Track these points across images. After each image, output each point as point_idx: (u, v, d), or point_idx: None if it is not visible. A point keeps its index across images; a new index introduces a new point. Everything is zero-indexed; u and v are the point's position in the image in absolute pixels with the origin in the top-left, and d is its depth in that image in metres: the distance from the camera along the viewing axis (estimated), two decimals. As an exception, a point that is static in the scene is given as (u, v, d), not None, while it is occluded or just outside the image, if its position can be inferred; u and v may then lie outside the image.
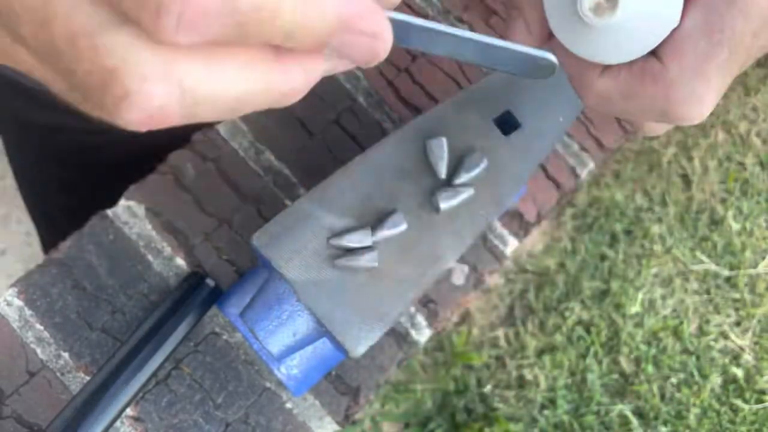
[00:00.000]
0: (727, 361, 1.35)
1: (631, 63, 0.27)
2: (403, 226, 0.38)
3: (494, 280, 1.33)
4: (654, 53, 0.27)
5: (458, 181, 0.39)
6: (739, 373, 1.33)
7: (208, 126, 0.51)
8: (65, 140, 0.62)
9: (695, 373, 1.32)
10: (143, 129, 0.17)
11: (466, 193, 0.39)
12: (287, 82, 0.18)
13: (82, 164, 0.61)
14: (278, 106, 0.19)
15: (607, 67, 0.28)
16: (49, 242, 0.77)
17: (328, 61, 0.19)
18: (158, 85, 0.16)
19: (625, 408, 1.28)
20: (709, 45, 0.25)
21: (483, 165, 0.40)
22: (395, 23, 0.19)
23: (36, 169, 0.69)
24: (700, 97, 0.26)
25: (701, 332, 1.36)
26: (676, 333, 1.35)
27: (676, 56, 0.26)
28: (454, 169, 0.40)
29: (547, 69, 0.23)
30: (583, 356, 1.30)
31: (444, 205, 0.39)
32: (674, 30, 0.26)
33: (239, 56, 0.17)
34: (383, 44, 0.18)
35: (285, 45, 0.17)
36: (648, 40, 0.26)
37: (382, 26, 0.18)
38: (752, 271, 1.42)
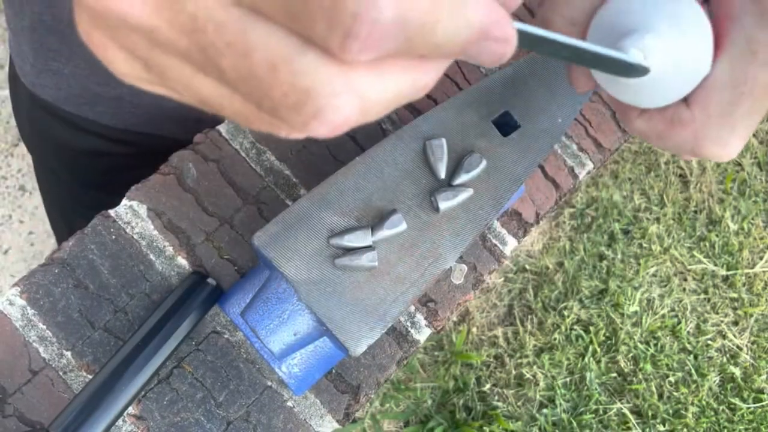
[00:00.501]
0: (724, 360, 1.35)
1: (664, 108, 0.30)
2: (403, 226, 0.38)
3: (493, 279, 1.34)
4: (685, 100, 0.29)
5: (457, 181, 0.40)
6: (736, 372, 1.34)
7: (210, 127, 0.51)
8: (99, 163, 0.63)
9: (693, 372, 1.33)
10: (327, 137, 0.20)
11: (466, 194, 0.39)
12: (426, 80, 0.21)
13: (113, 185, 0.62)
14: (416, 99, 0.21)
15: (644, 110, 0.31)
16: None
17: (453, 57, 0.21)
18: (344, 99, 0.18)
19: (623, 407, 1.28)
20: (734, 95, 0.28)
21: (482, 166, 0.40)
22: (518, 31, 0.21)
23: (66, 189, 0.70)
24: (726, 142, 0.29)
25: (699, 331, 1.37)
26: (674, 332, 1.36)
27: (704, 105, 0.29)
28: (454, 169, 0.40)
29: (641, 71, 0.26)
30: (582, 355, 1.31)
31: (443, 206, 0.39)
32: (704, 79, 0.28)
33: (399, 64, 0.19)
34: (511, 48, 0.20)
35: (431, 55, 0.19)
36: (679, 89, 0.28)
37: (511, 32, 0.20)
38: (750, 270, 1.43)
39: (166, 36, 0.18)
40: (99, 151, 0.62)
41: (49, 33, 0.53)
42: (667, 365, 1.32)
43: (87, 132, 0.60)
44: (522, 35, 0.21)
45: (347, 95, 0.18)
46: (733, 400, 1.32)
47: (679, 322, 1.36)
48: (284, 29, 0.17)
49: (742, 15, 0.28)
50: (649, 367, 1.31)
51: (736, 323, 1.39)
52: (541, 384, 1.27)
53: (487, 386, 1.25)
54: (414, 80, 0.20)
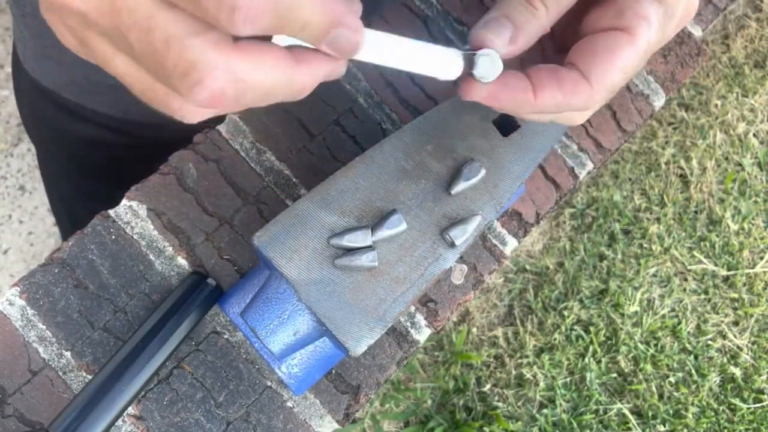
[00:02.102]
0: (725, 360, 1.35)
1: None
2: (403, 226, 0.38)
3: (493, 279, 1.34)
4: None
5: (455, 190, 0.40)
6: (737, 372, 1.34)
7: (210, 127, 0.51)
8: (100, 153, 0.64)
9: (693, 372, 1.33)
10: (207, 111, 0.25)
11: (475, 222, 0.39)
12: (302, 82, 0.25)
13: (115, 176, 0.62)
14: (291, 100, 0.26)
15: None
16: None
17: (326, 65, 0.26)
18: (221, 72, 0.23)
19: (623, 407, 1.28)
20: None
21: (481, 175, 0.40)
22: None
23: (68, 180, 0.71)
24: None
25: (699, 332, 1.37)
26: (675, 332, 1.36)
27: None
28: (453, 175, 0.40)
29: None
30: (582, 355, 1.31)
31: (458, 241, 0.39)
32: None
33: (272, 57, 0.24)
34: (360, 37, 0.25)
35: (300, 36, 0.24)
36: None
37: (359, 23, 0.25)
38: (750, 270, 1.42)
39: (94, 18, 0.23)
40: (98, 141, 0.62)
41: None
42: (667, 365, 1.32)
43: (86, 121, 0.60)
44: (369, 40, 0.27)
45: (224, 72, 0.23)
46: (733, 401, 1.32)
47: (680, 323, 1.36)
48: (186, 14, 0.22)
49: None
50: (649, 368, 1.31)
51: (736, 323, 1.39)
52: (541, 384, 1.27)
53: (487, 386, 1.25)
54: (290, 78, 0.25)
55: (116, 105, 0.58)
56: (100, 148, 0.63)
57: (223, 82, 0.23)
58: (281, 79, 0.24)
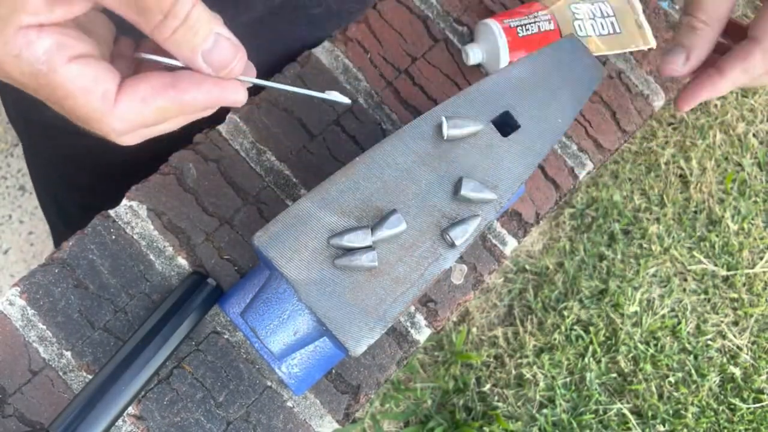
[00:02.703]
0: (724, 360, 1.35)
1: None
2: (403, 226, 0.38)
3: (493, 279, 1.34)
4: None
5: (456, 190, 0.40)
6: (736, 372, 1.34)
7: (210, 127, 0.51)
8: (83, 143, 0.63)
9: (693, 372, 1.33)
10: (131, 137, 0.32)
11: (475, 222, 0.39)
12: (200, 116, 0.33)
13: (98, 166, 0.62)
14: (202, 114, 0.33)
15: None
16: (62, 240, 0.78)
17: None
18: (128, 140, 0.33)
19: (623, 407, 1.28)
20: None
21: (481, 175, 0.40)
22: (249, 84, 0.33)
23: (53, 170, 0.71)
24: None
25: (699, 332, 1.37)
26: (674, 332, 1.36)
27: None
28: (454, 174, 0.40)
29: (346, 103, 0.37)
30: (582, 355, 1.31)
31: (459, 242, 0.39)
32: None
33: (172, 120, 0.32)
34: (241, 102, 0.32)
35: (169, 46, 0.29)
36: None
37: (236, 95, 0.32)
38: (750, 271, 1.43)
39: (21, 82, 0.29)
40: (81, 130, 0.62)
41: None
42: (667, 365, 1.32)
43: None
44: (253, 85, 0.33)
45: (130, 138, 0.32)
46: (733, 401, 1.32)
47: (679, 323, 1.36)
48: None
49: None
50: (649, 368, 1.31)
51: (736, 323, 1.39)
52: (541, 384, 1.27)
53: (487, 386, 1.25)
54: (189, 118, 0.33)
55: None
56: (83, 138, 0.63)
57: (120, 127, 0.30)
58: (171, 108, 0.30)
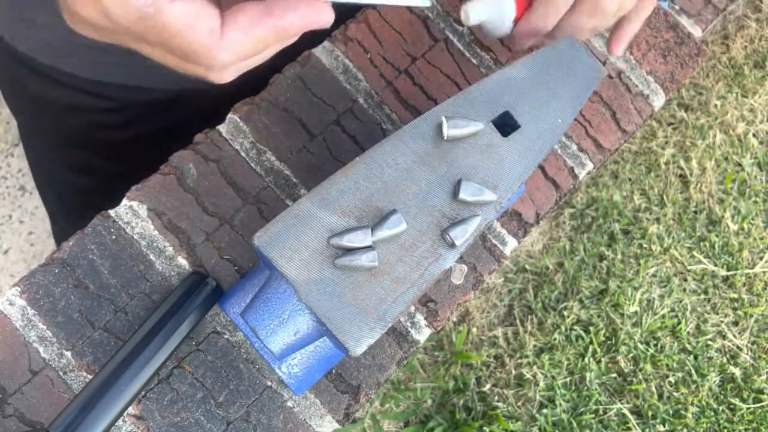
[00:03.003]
0: (724, 360, 1.35)
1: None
2: (403, 226, 0.38)
3: (493, 279, 1.34)
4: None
5: (456, 190, 0.40)
6: (736, 372, 1.34)
7: (210, 127, 0.51)
8: (79, 119, 0.63)
9: (693, 372, 1.33)
10: (231, 71, 0.33)
11: (475, 222, 0.40)
12: (286, 30, 0.33)
13: (95, 144, 0.62)
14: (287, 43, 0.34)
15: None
16: (61, 229, 0.77)
17: (303, 11, 0.32)
18: (227, 75, 0.33)
19: (623, 407, 1.28)
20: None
21: (481, 175, 0.40)
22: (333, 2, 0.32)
23: (50, 150, 0.70)
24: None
25: (699, 332, 1.37)
26: (674, 332, 1.36)
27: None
28: (454, 174, 0.40)
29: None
30: (582, 355, 1.31)
31: (458, 242, 0.39)
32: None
33: (253, 22, 0.31)
34: (329, 23, 0.32)
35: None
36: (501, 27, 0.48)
37: (326, 16, 0.32)
38: (750, 271, 1.43)
39: (123, 29, 0.30)
40: (77, 105, 0.61)
41: None
42: (667, 365, 1.32)
43: (63, 85, 0.59)
44: (336, 4, 0.33)
45: (229, 73, 0.33)
46: (733, 401, 1.32)
47: (679, 323, 1.36)
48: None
49: None
50: (649, 368, 1.31)
51: (736, 323, 1.39)
52: (541, 384, 1.27)
53: (487, 386, 1.25)
54: (281, 45, 0.33)
55: (93, 67, 0.58)
56: (78, 113, 0.62)
57: (228, 59, 0.31)
58: (270, 36, 0.31)
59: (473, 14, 0.48)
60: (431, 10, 0.58)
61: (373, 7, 0.35)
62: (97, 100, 0.61)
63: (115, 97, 0.61)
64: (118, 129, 0.61)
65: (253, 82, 0.48)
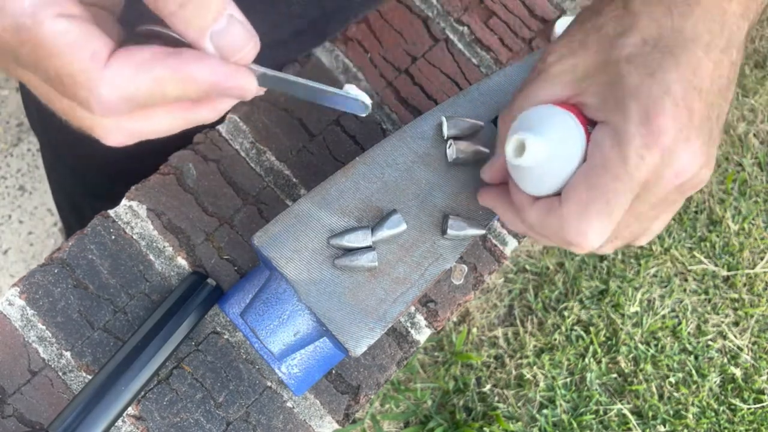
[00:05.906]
0: (725, 360, 1.35)
1: (546, 199, 0.32)
2: (403, 226, 0.38)
3: (493, 280, 1.34)
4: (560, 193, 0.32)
5: (456, 190, 0.40)
6: (737, 372, 1.34)
7: (210, 127, 0.51)
8: (96, 151, 0.64)
9: (693, 372, 1.33)
10: (123, 134, 0.29)
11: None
12: (201, 119, 0.30)
13: (113, 173, 0.62)
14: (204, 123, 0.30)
15: (535, 200, 0.33)
16: None
17: (227, 102, 0.30)
18: (115, 134, 0.28)
19: (623, 407, 1.28)
20: (590, 190, 0.30)
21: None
22: (258, 73, 0.29)
23: (70, 176, 0.72)
24: (585, 234, 0.30)
25: (699, 332, 1.37)
26: (675, 333, 1.36)
27: (568, 195, 0.31)
28: (454, 174, 0.40)
29: (364, 107, 0.33)
30: (582, 356, 1.31)
31: (452, 233, 0.39)
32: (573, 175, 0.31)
33: (166, 110, 0.28)
34: (248, 89, 0.28)
35: (182, 100, 0.27)
36: (556, 177, 0.31)
37: (241, 80, 0.27)
38: (750, 271, 1.42)
39: (17, 56, 0.26)
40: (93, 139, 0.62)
41: None
42: (667, 366, 1.32)
43: None
44: (263, 77, 0.29)
45: (117, 132, 0.28)
46: (733, 401, 1.32)
47: (680, 323, 1.36)
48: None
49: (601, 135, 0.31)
50: (649, 368, 1.31)
51: (736, 324, 1.39)
52: (542, 384, 1.27)
53: (488, 387, 1.25)
54: (186, 119, 0.29)
55: None
56: (96, 145, 0.63)
57: (119, 139, 0.29)
58: (179, 123, 0.29)
59: (531, 152, 0.31)
60: (431, 10, 0.58)
61: (306, 98, 0.32)
62: None
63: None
64: (142, 155, 0.62)
65: None
